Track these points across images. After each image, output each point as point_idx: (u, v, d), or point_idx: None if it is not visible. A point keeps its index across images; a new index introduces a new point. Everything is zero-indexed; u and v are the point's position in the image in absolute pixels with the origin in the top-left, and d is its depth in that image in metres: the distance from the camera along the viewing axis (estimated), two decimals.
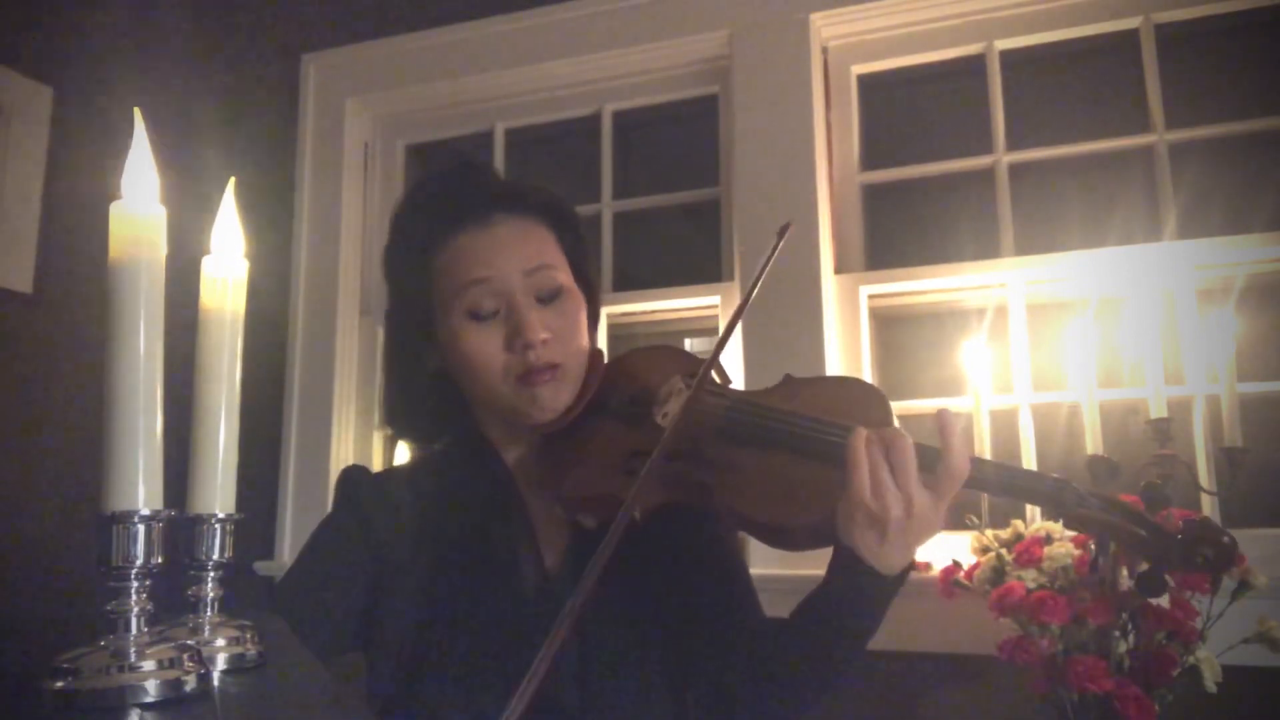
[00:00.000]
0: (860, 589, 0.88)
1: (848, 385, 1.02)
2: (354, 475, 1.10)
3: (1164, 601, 1.25)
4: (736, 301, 1.94)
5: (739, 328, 1.91)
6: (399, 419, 1.13)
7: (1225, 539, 0.89)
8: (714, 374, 1.02)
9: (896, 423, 0.93)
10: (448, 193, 1.07)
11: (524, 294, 1.00)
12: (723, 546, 1.09)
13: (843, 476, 0.86)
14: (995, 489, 0.91)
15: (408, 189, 1.14)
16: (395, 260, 1.09)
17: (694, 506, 0.98)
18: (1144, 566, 0.92)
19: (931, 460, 0.85)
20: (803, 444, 0.92)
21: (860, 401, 0.96)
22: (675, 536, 1.04)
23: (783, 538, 0.92)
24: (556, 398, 1.01)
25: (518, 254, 1.01)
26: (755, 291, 0.97)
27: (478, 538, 1.03)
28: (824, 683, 0.95)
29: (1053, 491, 0.89)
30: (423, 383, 1.08)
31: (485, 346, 0.99)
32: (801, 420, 0.93)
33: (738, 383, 1.13)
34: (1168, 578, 0.96)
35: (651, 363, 1.07)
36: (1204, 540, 0.89)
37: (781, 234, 1.02)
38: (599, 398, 1.04)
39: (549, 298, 1.02)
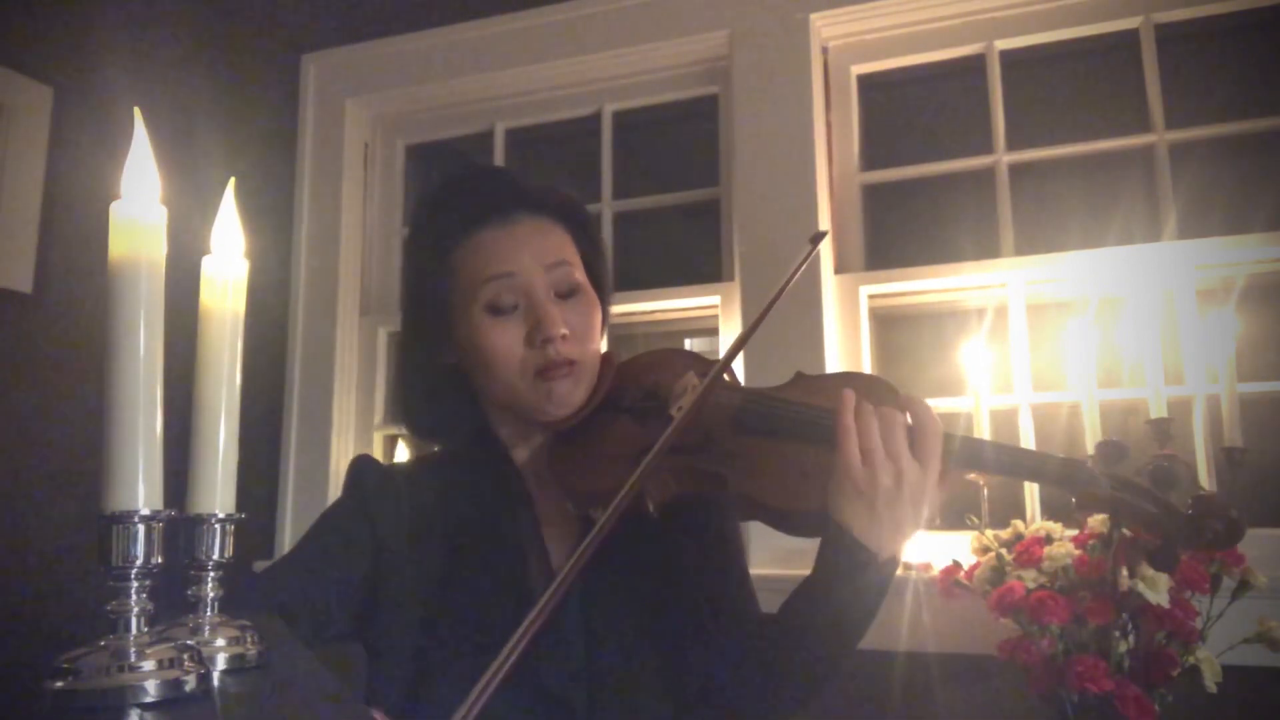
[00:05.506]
0: (844, 566, 0.87)
1: (856, 377, 1.06)
2: (363, 465, 1.10)
3: (1163, 601, 1.25)
4: (737, 301, 1.94)
5: (741, 329, 1.91)
6: (410, 414, 1.13)
7: (1234, 513, 0.91)
8: (724, 374, 1.04)
9: None
10: (471, 190, 1.08)
11: (544, 290, 1.02)
12: (728, 545, 1.10)
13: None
14: (1007, 470, 0.93)
15: (429, 186, 1.14)
16: (415, 254, 1.10)
17: (707, 497, 1.01)
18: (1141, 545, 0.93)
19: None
20: (812, 431, 0.95)
21: (868, 390, 0.98)
22: (682, 535, 1.05)
23: (795, 523, 0.94)
24: (572, 394, 1.02)
25: (538, 250, 1.02)
26: (780, 295, 1.02)
27: (485, 534, 1.03)
28: (810, 677, 0.94)
29: (1064, 471, 0.91)
30: (436, 378, 1.09)
31: (505, 340, 1.01)
32: (812, 409, 0.96)
33: (741, 382, 1.16)
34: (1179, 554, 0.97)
35: (662, 362, 1.09)
36: (1213, 515, 0.91)
37: (815, 242, 1.08)
38: (611, 396, 1.05)
39: (567, 294, 1.04)
